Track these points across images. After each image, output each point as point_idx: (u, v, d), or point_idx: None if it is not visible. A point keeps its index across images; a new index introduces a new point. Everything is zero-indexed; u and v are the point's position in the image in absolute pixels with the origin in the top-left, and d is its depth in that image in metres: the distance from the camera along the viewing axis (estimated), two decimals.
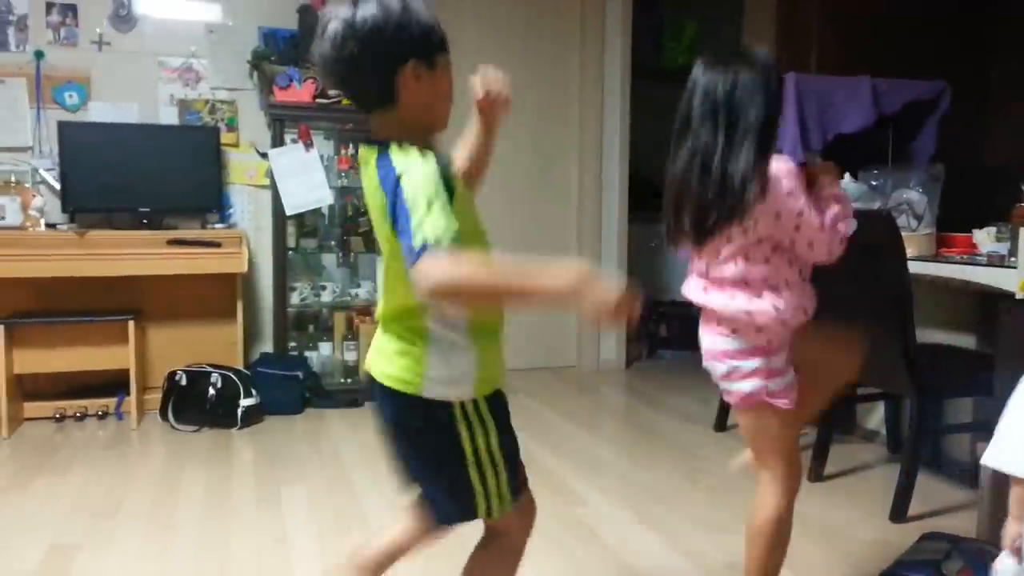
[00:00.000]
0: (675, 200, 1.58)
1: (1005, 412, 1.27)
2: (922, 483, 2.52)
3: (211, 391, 3.41)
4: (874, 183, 3.11)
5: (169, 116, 3.89)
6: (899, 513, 2.43)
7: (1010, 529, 1.26)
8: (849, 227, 1.55)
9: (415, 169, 1.18)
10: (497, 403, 1.37)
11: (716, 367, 1.64)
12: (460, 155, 1.51)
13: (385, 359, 1.34)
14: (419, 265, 1.11)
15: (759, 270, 1.55)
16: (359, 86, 1.28)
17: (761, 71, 1.50)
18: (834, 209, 1.54)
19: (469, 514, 1.38)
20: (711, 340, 1.64)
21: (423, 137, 1.28)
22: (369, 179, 1.28)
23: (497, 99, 1.44)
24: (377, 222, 1.30)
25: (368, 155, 1.29)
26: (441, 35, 1.29)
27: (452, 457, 1.32)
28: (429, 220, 1.13)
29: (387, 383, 1.33)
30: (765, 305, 1.55)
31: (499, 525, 1.46)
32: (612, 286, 1.13)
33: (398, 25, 1.22)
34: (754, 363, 1.58)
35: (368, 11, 1.21)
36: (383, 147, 1.25)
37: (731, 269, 1.57)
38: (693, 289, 1.66)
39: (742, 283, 1.56)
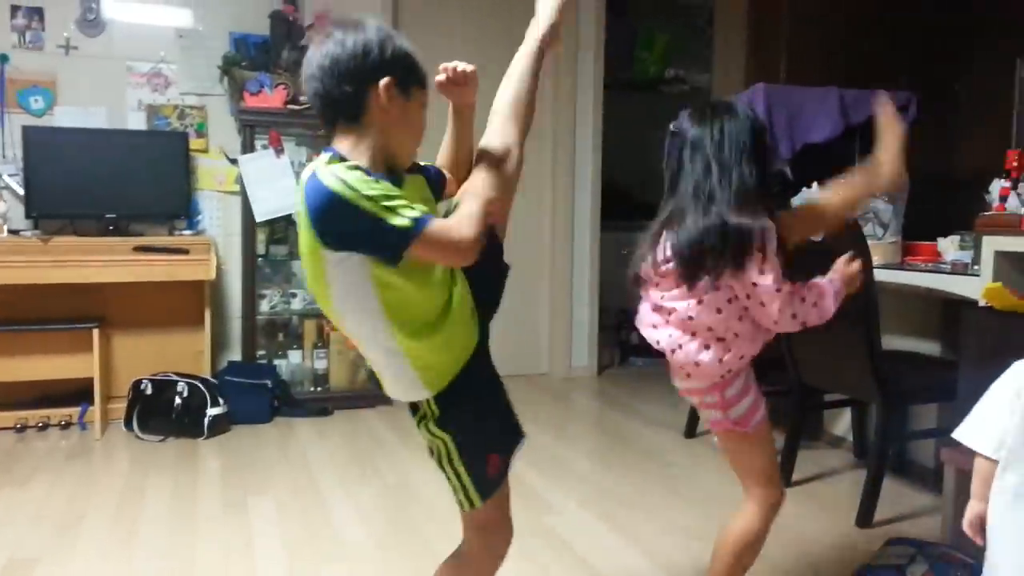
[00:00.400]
0: (653, 233, 1.61)
1: (984, 395, 1.30)
2: (888, 488, 2.55)
3: (177, 400, 3.36)
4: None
5: (137, 121, 3.84)
6: (865, 518, 2.46)
7: (971, 509, 1.29)
8: (808, 322, 1.55)
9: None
10: (462, 386, 1.37)
11: (691, 398, 1.69)
12: (442, 154, 1.54)
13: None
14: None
15: (708, 319, 1.53)
16: (331, 97, 1.27)
17: (750, 123, 1.56)
18: (809, 300, 1.55)
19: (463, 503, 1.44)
20: (673, 372, 1.67)
21: (382, 164, 1.29)
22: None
23: (458, 75, 1.44)
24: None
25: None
26: (423, 72, 1.34)
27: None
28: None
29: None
30: (709, 357, 1.55)
31: (464, 542, 1.49)
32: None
33: (382, 42, 1.28)
34: (712, 398, 1.61)
35: (362, 34, 1.27)
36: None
37: (681, 306, 1.55)
38: (646, 322, 1.65)
39: (688, 324, 1.55)
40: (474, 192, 1.35)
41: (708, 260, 1.49)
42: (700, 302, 1.53)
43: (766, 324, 1.54)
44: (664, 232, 1.58)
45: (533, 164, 4.73)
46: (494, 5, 4.55)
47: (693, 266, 1.51)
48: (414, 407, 1.41)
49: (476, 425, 1.40)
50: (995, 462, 1.21)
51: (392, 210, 1.18)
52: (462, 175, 1.50)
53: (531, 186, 4.73)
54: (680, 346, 1.57)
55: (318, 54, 1.27)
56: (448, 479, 1.42)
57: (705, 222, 1.50)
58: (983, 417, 1.26)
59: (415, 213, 1.19)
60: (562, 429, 3.73)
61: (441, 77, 1.42)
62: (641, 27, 5.69)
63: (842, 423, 3.27)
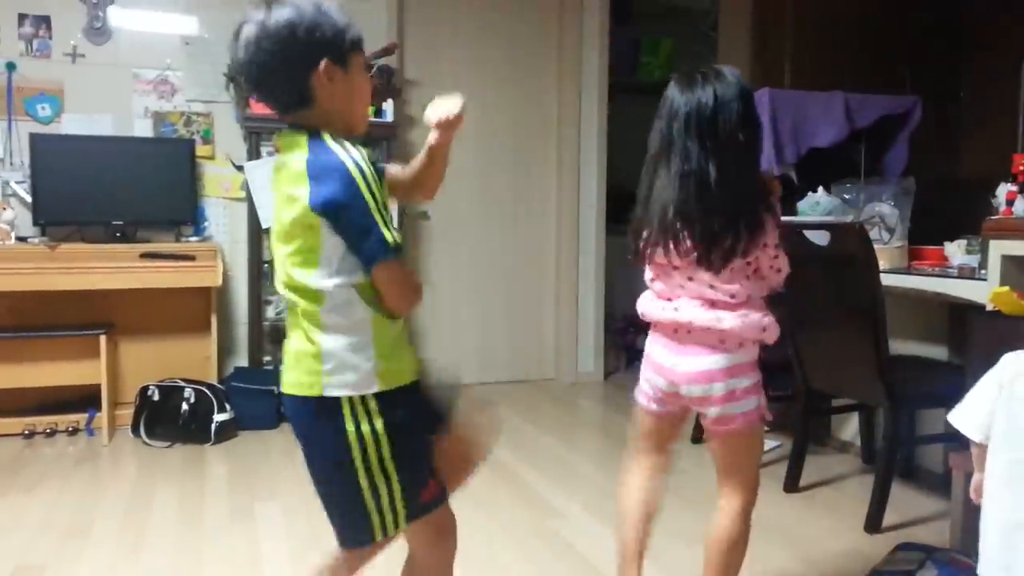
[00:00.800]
0: (666, 223, 1.52)
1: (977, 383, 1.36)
2: (896, 493, 2.54)
3: (184, 406, 3.37)
4: (847, 196, 3.14)
5: (144, 128, 3.86)
6: (873, 523, 2.45)
7: (974, 478, 1.38)
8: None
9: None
10: (407, 399, 1.33)
11: (710, 389, 1.57)
12: (408, 168, 1.53)
13: (295, 364, 1.31)
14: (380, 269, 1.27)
15: (753, 287, 1.56)
16: (275, 88, 1.29)
17: (739, 88, 1.52)
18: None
19: (363, 534, 1.31)
20: (698, 362, 1.56)
21: (344, 137, 1.30)
22: (293, 171, 1.27)
23: (451, 121, 1.43)
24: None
25: (297, 142, 1.28)
26: (355, 35, 1.31)
27: (341, 463, 1.27)
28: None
29: (289, 391, 1.32)
30: (770, 320, 1.57)
31: (411, 546, 1.44)
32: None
33: (310, 26, 1.24)
34: (751, 379, 1.58)
35: (281, 14, 1.24)
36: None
37: (736, 289, 1.54)
38: (689, 309, 1.56)
39: (747, 301, 1.55)
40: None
41: (738, 245, 1.49)
42: (747, 277, 1.55)
43: (775, 282, 1.60)
44: (679, 223, 1.51)
45: (538, 169, 4.74)
46: (497, 6, 4.57)
47: (726, 253, 1.50)
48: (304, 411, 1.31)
49: (414, 440, 1.34)
50: (984, 445, 1.31)
51: (385, 221, 1.23)
52: (417, 196, 1.55)
53: (536, 191, 4.73)
54: (746, 315, 1.54)
55: (250, 49, 1.25)
56: (362, 490, 1.28)
57: (724, 209, 1.47)
58: (971, 404, 1.34)
59: (398, 237, 1.25)
60: (568, 433, 3.72)
61: (433, 120, 1.43)
62: (645, 32, 5.70)
63: (850, 428, 3.26)
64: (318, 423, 1.29)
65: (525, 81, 4.67)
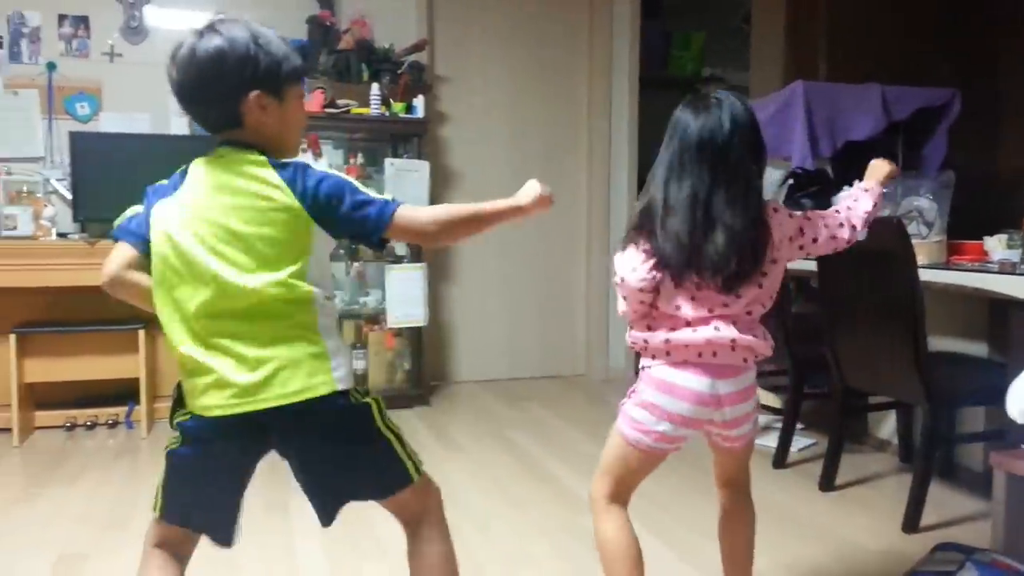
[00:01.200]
0: (686, 247, 1.46)
1: None
2: (935, 493, 2.50)
3: None
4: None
5: (179, 126, 3.91)
6: (912, 523, 2.41)
7: None
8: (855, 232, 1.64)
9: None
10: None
11: (748, 407, 1.55)
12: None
13: (279, 374, 1.27)
14: (401, 212, 1.32)
15: (751, 306, 1.53)
16: (203, 110, 1.35)
17: (749, 115, 1.49)
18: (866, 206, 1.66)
19: (407, 478, 1.41)
20: (738, 381, 1.52)
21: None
22: (260, 180, 1.29)
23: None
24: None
25: (250, 159, 1.31)
26: (293, 67, 1.35)
27: (370, 433, 1.37)
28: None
29: (303, 397, 1.28)
30: (755, 338, 1.53)
31: (419, 511, 1.45)
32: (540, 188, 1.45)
33: (242, 58, 1.28)
34: (750, 405, 1.57)
35: (211, 42, 1.28)
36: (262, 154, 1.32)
37: (757, 306, 1.53)
38: (726, 328, 1.49)
39: (734, 315, 1.51)
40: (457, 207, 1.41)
41: (752, 267, 1.48)
42: (746, 290, 1.51)
43: (846, 238, 1.63)
44: (699, 247, 1.45)
45: (569, 164, 4.73)
46: (527, 2, 4.56)
47: (745, 273, 1.47)
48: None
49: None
50: None
51: (366, 188, 1.34)
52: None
53: (567, 186, 4.72)
54: (766, 336, 1.53)
55: (181, 70, 1.30)
56: (380, 451, 1.38)
57: (736, 234, 1.44)
58: (1015, 388, 1.39)
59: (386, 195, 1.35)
60: (598, 430, 3.71)
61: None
62: (676, 26, 5.66)
63: (887, 426, 3.21)
64: (343, 414, 1.33)
65: (555, 76, 4.66)
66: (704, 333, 1.48)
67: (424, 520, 1.45)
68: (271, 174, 1.29)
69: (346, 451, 1.35)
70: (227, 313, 1.28)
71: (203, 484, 1.37)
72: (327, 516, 1.40)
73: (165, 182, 1.41)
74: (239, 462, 1.38)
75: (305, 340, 1.30)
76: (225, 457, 1.35)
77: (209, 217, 1.29)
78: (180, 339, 1.31)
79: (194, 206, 1.31)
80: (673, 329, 1.50)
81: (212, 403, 1.28)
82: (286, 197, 1.27)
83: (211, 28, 1.29)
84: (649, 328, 1.54)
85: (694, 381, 1.49)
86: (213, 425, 1.29)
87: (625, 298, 1.55)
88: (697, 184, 1.46)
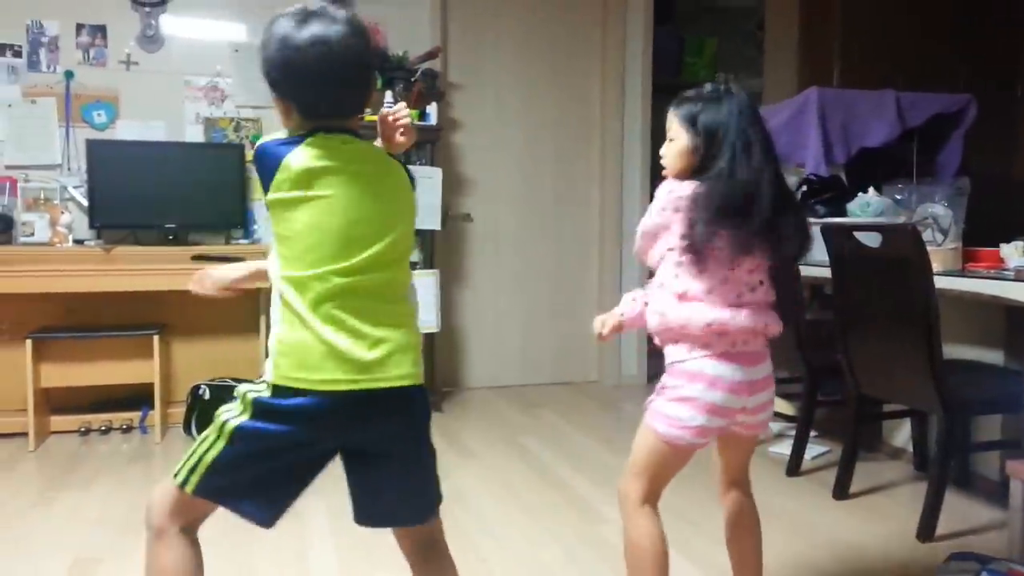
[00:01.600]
0: (762, 225, 1.46)
1: None
2: (950, 501, 2.48)
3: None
4: (899, 197, 3.08)
5: (195, 134, 3.95)
6: (927, 532, 2.39)
7: None
8: None
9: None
10: None
11: (763, 396, 1.57)
12: None
13: (404, 356, 1.30)
14: None
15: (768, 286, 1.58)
16: (346, 92, 1.32)
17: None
18: None
19: (440, 496, 1.43)
20: (765, 367, 1.55)
21: None
22: (396, 176, 1.36)
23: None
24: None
25: (381, 154, 1.37)
26: None
27: (429, 437, 1.42)
28: None
29: (411, 382, 1.31)
30: (774, 318, 1.58)
31: (439, 530, 1.47)
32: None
33: (373, 47, 1.36)
34: (771, 392, 1.61)
35: (356, 26, 1.29)
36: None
37: (766, 290, 1.56)
38: (764, 313, 1.53)
39: (758, 298, 1.55)
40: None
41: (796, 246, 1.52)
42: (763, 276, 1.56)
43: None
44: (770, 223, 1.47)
45: (581, 169, 4.73)
46: (540, 8, 4.57)
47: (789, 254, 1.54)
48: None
49: None
50: None
51: None
52: None
53: (579, 193, 4.73)
54: (765, 323, 1.54)
55: (341, 46, 1.26)
56: (434, 461, 1.43)
57: (791, 211, 1.50)
58: None
59: None
60: (611, 436, 3.70)
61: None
62: (689, 32, 5.66)
63: (901, 434, 3.19)
64: (426, 408, 1.38)
65: (568, 82, 4.66)
66: (744, 319, 1.50)
67: (440, 538, 1.47)
68: (400, 169, 1.37)
69: (421, 449, 1.39)
70: (360, 290, 1.27)
71: (277, 463, 1.30)
72: (371, 516, 1.40)
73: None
74: (328, 447, 1.34)
75: (410, 327, 1.33)
76: (320, 437, 1.30)
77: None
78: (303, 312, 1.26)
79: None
80: (718, 311, 1.49)
81: (332, 378, 1.24)
82: (411, 186, 1.38)
83: (343, 14, 1.28)
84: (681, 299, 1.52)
85: (732, 370, 1.50)
86: (320, 402, 1.25)
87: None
88: (763, 157, 1.50)
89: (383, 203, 1.31)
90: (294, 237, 1.26)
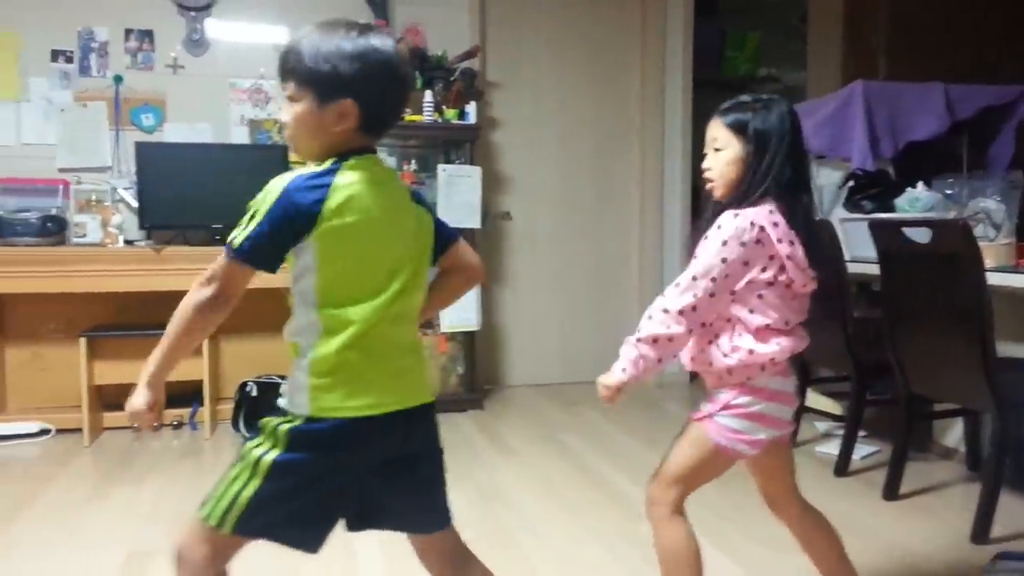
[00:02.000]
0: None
1: None
2: (1005, 502, 2.42)
3: (280, 401, 3.48)
4: (949, 192, 3.01)
5: (240, 136, 4.02)
6: (981, 533, 2.33)
7: None
8: None
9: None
10: None
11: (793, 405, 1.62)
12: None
13: (418, 375, 1.35)
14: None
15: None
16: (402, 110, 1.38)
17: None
18: None
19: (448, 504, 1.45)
20: (792, 382, 1.60)
21: None
22: (408, 198, 1.37)
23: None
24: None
25: (395, 173, 1.41)
26: None
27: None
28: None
29: (429, 399, 1.36)
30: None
31: (462, 540, 1.48)
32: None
33: None
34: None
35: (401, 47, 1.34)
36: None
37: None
38: (805, 336, 1.57)
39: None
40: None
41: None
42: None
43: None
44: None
45: (620, 167, 4.71)
46: (578, 3, 4.56)
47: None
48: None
49: None
50: None
51: None
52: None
53: (619, 189, 4.71)
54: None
55: (406, 67, 1.33)
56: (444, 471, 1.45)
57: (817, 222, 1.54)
58: None
59: None
60: (653, 436, 3.68)
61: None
62: (730, 26, 5.59)
63: (953, 433, 3.12)
64: (437, 423, 1.40)
65: (607, 79, 4.64)
66: (804, 342, 1.55)
67: (464, 545, 1.48)
68: (407, 187, 1.41)
69: (440, 456, 1.41)
70: (395, 317, 1.29)
71: (318, 491, 1.28)
72: (407, 523, 1.42)
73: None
74: (363, 468, 1.31)
75: (421, 347, 1.39)
76: (360, 460, 1.29)
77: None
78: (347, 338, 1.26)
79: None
80: (786, 338, 1.52)
81: (371, 402, 1.25)
82: (420, 208, 1.39)
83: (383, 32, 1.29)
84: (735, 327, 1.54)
85: (789, 384, 1.56)
86: (355, 428, 1.25)
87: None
88: (769, 182, 1.53)
89: (410, 228, 1.33)
90: (338, 266, 1.26)
